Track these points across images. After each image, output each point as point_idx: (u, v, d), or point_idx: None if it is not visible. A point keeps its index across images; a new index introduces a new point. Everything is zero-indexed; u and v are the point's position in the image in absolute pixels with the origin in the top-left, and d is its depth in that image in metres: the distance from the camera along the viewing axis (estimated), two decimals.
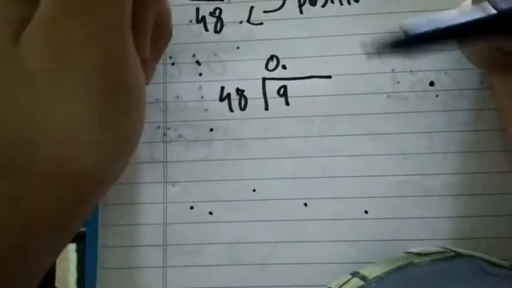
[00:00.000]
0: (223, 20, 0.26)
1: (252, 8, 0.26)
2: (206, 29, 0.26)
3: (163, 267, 0.24)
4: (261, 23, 0.26)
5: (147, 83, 0.23)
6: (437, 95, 0.24)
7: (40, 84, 0.17)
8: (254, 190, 0.25)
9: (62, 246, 0.19)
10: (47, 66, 0.17)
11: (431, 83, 0.24)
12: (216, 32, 0.26)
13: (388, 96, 0.25)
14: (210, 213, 0.25)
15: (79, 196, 0.18)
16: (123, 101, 0.19)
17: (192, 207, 0.25)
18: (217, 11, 0.26)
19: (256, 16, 0.26)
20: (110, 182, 0.20)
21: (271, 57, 0.25)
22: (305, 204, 0.24)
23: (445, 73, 0.24)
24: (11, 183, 0.17)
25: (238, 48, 0.25)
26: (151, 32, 0.21)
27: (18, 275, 0.18)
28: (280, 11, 0.25)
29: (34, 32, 0.17)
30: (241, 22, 0.26)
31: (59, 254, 0.19)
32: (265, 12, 0.26)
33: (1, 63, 0.17)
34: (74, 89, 0.17)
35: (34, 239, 0.18)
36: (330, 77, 0.25)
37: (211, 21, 0.26)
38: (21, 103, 0.17)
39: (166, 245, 0.24)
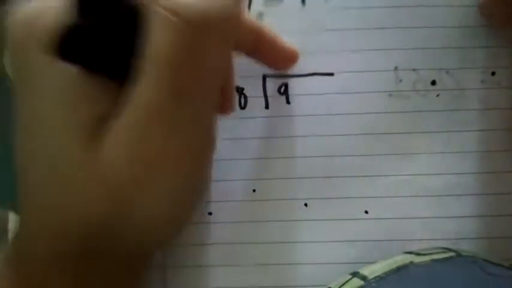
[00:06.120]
0: None
1: None
2: None
3: (162, 267, 0.24)
4: (261, 15, 0.24)
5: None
6: (438, 95, 0.24)
7: (126, 193, 0.17)
8: (254, 190, 0.24)
9: None
10: (134, 175, 0.17)
11: (433, 82, 0.24)
12: None
13: (390, 95, 0.24)
14: (210, 213, 0.24)
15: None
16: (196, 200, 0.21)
17: None
18: None
19: (256, 6, 0.24)
20: None
21: None
22: (305, 204, 0.24)
23: (447, 72, 0.24)
24: None
25: None
26: None
27: None
28: (282, 2, 0.24)
29: (119, 139, 0.16)
30: None
31: None
32: (265, 2, 0.24)
33: (79, 169, 0.17)
34: (159, 197, 0.18)
35: None
36: (332, 74, 0.24)
37: None
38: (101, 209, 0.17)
39: None
